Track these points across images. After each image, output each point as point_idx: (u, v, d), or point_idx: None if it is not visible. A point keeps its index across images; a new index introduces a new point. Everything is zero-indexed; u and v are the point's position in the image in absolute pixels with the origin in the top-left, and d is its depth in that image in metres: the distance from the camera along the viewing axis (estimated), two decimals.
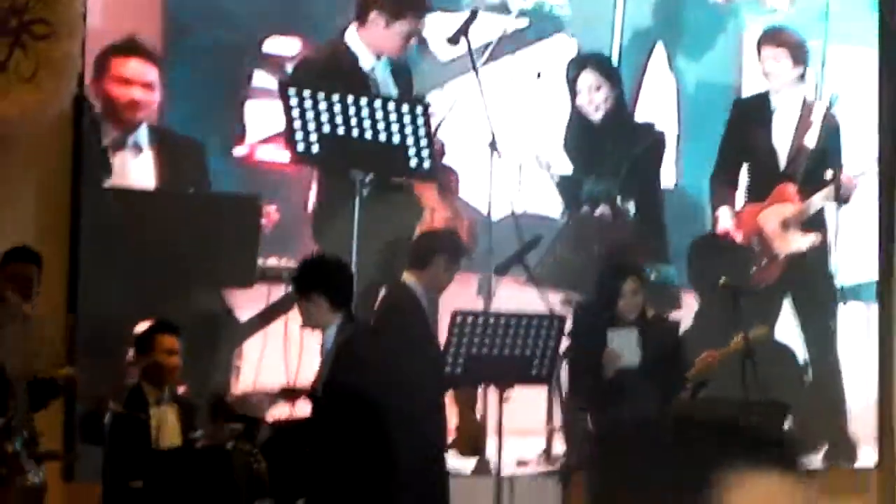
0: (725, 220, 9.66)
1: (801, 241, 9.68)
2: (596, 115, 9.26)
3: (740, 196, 9.76)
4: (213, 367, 8.06)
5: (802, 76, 9.87)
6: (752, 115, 9.78)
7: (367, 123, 8.40)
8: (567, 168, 9.25)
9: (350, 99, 8.37)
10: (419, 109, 8.49)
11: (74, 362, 7.36)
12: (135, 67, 8.23)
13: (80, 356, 7.64)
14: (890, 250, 9.89)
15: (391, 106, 8.46)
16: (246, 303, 8.21)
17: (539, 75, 9.13)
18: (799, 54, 9.82)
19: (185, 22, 8.40)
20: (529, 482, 7.96)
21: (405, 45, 8.82)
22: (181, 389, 7.19)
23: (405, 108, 8.47)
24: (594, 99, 9.24)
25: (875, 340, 9.90)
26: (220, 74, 8.46)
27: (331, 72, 8.62)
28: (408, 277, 7.47)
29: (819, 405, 9.66)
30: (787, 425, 7.71)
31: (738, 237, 9.68)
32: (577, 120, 9.24)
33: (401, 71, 8.87)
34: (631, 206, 9.24)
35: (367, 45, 8.75)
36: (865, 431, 9.88)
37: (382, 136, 8.45)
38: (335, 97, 8.34)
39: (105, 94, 8.15)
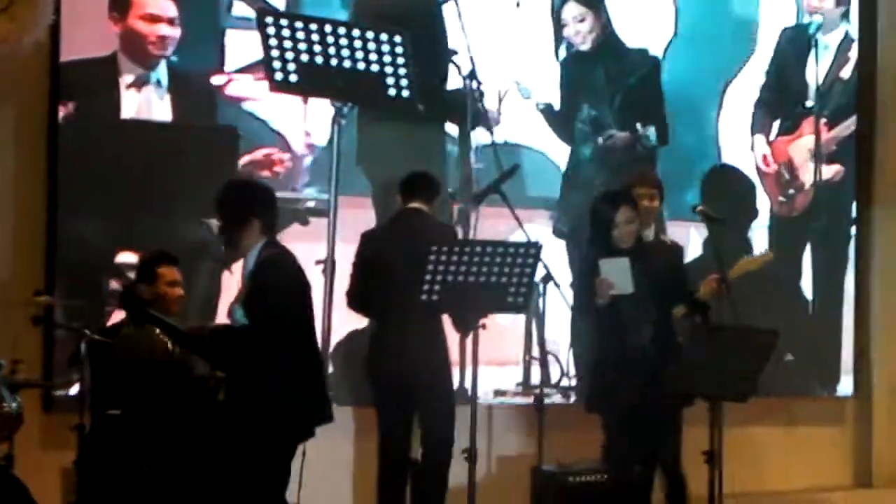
0: (761, 147, 9.73)
1: (826, 172, 9.79)
2: (584, 46, 9.28)
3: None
4: (198, 296, 8.07)
5: (846, 14, 9.91)
6: (793, 46, 9.83)
7: (345, 52, 8.38)
8: (549, 96, 9.25)
9: (328, 28, 8.35)
10: (398, 38, 8.48)
11: (54, 291, 7.41)
12: (160, 3, 8.19)
13: (60, 285, 7.68)
14: (867, 187, 9.94)
15: (370, 35, 8.44)
16: None
17: (518, 4, 9.11)
18: None
19: None
20: (506, 412, 7.99)
21: None
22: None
23: (384, 37, 8.45)
24: (580, 30, 9.25)
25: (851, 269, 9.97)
26: (199, 4, 8.43)
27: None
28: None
29: (817, 335, 9.76)
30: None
31: (772, 166, 9.75)
32: (568, 52, 9.25)
33: None
34: (652, 133, 9.31)
35: None
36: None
37: (361, 65, 8.45)
38: (313, 26, 8.31)
39: (131, 32, 8.08)
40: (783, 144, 9.85)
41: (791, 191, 9.86)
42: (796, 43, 9.89)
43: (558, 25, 9.29)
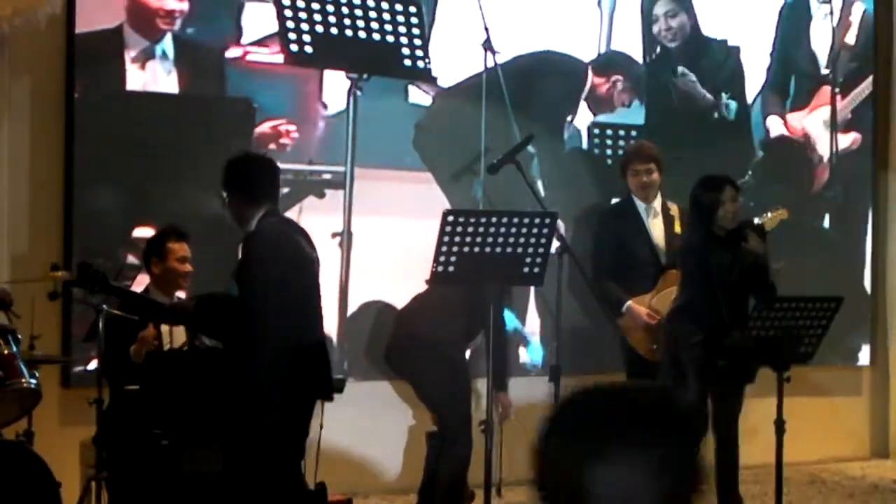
0: (777, 128, 9.68)
1: (842, 141, 9.75)
2: (672, 44, 9.29)
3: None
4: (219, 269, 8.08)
5: None
6: (794, 20, 9.76)
7: (360, 23, 8.37)
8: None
9: None
10: (412, 9, 8.46)
11: (71, 266, 7.41)
12: None
13: (77, 259, 7.68)
14: (883, 155, 9.89)
15: (384, 5, 8.42)
16: None
17: None
18: None
19: None
20: (523, 381, 8.02)
21: None
22: (183, 295, 7.24)
23: (398, 6, 8.44)
24: (672, 25, 9.26)
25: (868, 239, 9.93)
26: None
27: None
28: None
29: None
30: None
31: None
32: (654, 49, 9.27)
33: None
34: (733, 105, 9.36)
35: None
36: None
37: (376, 36, 8.43)
38: None
39: (138, 5, 8.02)
40: (797, 120, 9.79)
41: (815, 163, 9.81)
42: (796, 16, 9.80)
43: (647, 24, 9.27)
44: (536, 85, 8.97)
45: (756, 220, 8.03)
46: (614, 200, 8.65)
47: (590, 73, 9.18)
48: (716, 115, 9.44)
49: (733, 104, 9.48)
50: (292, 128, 8.40)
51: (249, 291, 6.22)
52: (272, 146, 8.26)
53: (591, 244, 8.39)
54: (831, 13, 9.88)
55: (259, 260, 6.26)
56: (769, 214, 8.19)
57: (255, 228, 6.34)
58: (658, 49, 9.37)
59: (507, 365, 7.81)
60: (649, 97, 9.29)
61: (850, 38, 9.88)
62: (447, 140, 8.73)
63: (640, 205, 8.26)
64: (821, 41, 9.83)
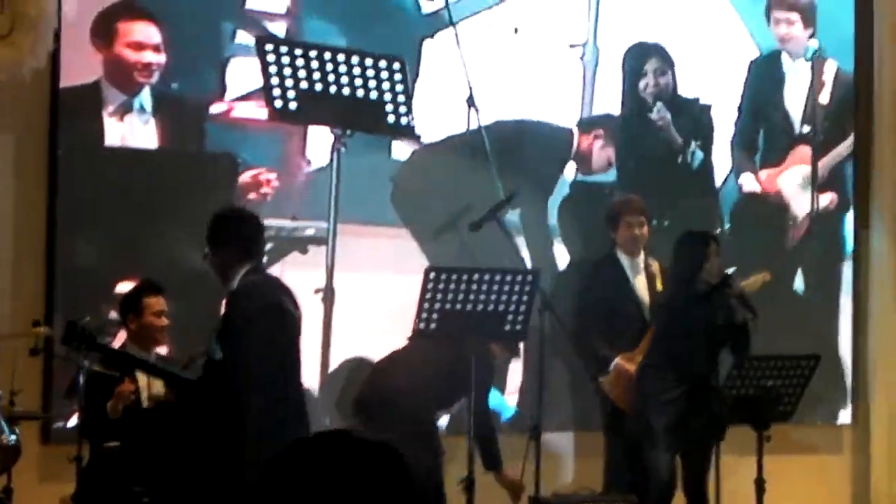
0: (750, 185, 9.70)
1: (819, 201, 9.78)
2: (655, 100, 9.37)
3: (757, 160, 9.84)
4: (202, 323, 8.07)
5: (812, 35, 9.89)
6: (765, 77, 9.81)
7: (344, 80, 8.41)
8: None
9: (328, 55, 8.38)
10: (396, 66, 8.50)
11: (52, 322, 7.40)
12: (143, 30, 8.13)
13: (60, 315, 7.67)
14: (864, 213, 9.92)
15: (369, 61, 8.46)
16: None
17: (516, 31, 9.11)
18: (810, 15, 9.85)
19: None
20: (503, 440, 8.01)
21: None
22: (164, 350, 7.24)
23: (382, 63, 8.48)
24: (659, 83, 9.33)
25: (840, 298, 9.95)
26: (203, 32, 8.41)
27: None
28: None
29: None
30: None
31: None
32: (634, 106, 9.35)
33: None
34: (699, 154, 9.51)
35: None
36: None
37: (360, 93, 8.46)
38: (312, 53, 8.34)
39: (116, 59, 8.04)
40: (771, 178, 9.78)
41: (790, 223, 9.83)
42: (767, 73, 9.83)
43: (630, 80, 9.33)
44: (520, 149, 9.00)
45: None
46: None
47: (575, 135, 9.20)
48: (679, 159, 9.45)
49: (700, 154, 9.51)
50: (272, 176, 8.40)
51: (232, 349, 6.21)
52: (252, 195, 8.27)
53: (576, 300, 8.36)
54: (810, 70, 9.91)
55: (241, 318, 6.27)
56: (751, 278, 8.22)
57: (239, 286, 6.35)
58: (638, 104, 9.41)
59: (494, 444, 7.74)
60: (624, 144, 9.30)
61: (824, 97, 9.91)
62: (427, 195, 8.74)
63: (625, 260, 8.26)
64: (794, 99, 9.85)
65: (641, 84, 9.36)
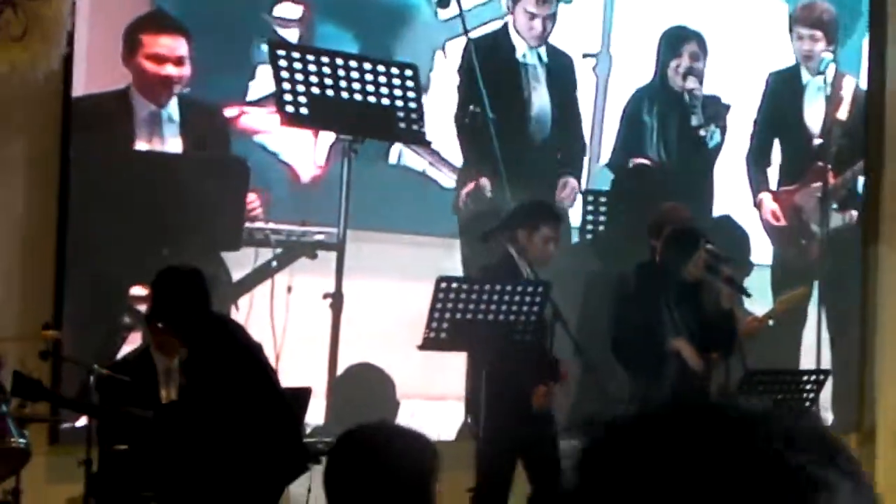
0: (769, 204, 9.70)
1: (835, 218, 9.77)
2: (684, 83, 9.42)
3: (773, 174, 9.84)
4: None
5: (834, 51, 9.89)
6: (784, 91, 9.81)
7: (356, 86, 8.41)
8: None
9: (340, 61, 8.38)
10: (408, 72, 8.50)
11: (62, 325, 7.40)
12: (167, 44, 8.10)
13: (70, 319, 7.67)
14: (874, 228, 9.92)
15: (381, 68, 8.47)
16: (233, 266, 8.21)
17: None
18: (832, 32, 9.85)
19: None
20: None
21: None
22: None
23: (394, 70, 8.48)
24: (693, 67, 9.37)
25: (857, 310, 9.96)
26: (229, 42, 8.40)
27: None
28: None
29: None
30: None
31: (782, 221, 9.75)
32: (661, 90, 9.38)
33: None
34: (717, 133, 9.58)
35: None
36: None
37: (372, 99, 8.47)
38: (324, 59, 8.34)
39: (140, 71, 8.03)
40: (789, 195, 9.78)
41: (803, 241, 9.82)
42: (786, 86, 9.84)
43: (666, 57, 9.39)
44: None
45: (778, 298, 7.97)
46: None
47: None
48: (701, 133, 9.47)
49: (718, 136, 9.55)
50: (259, 190, 8.36)
51: (211, 383, 6.22)
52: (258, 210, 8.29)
53: (615, 307, 8.19)
54: (825, 85, 9.91)
55: (213, 350, 6.28)
56: (787, 294, 8.19)
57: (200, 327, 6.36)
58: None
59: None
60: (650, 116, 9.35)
61: (843, 113, 9.91)
62: None
63: None
64: (814, 115, 9.87)
65: (674, 63, 9.39)
